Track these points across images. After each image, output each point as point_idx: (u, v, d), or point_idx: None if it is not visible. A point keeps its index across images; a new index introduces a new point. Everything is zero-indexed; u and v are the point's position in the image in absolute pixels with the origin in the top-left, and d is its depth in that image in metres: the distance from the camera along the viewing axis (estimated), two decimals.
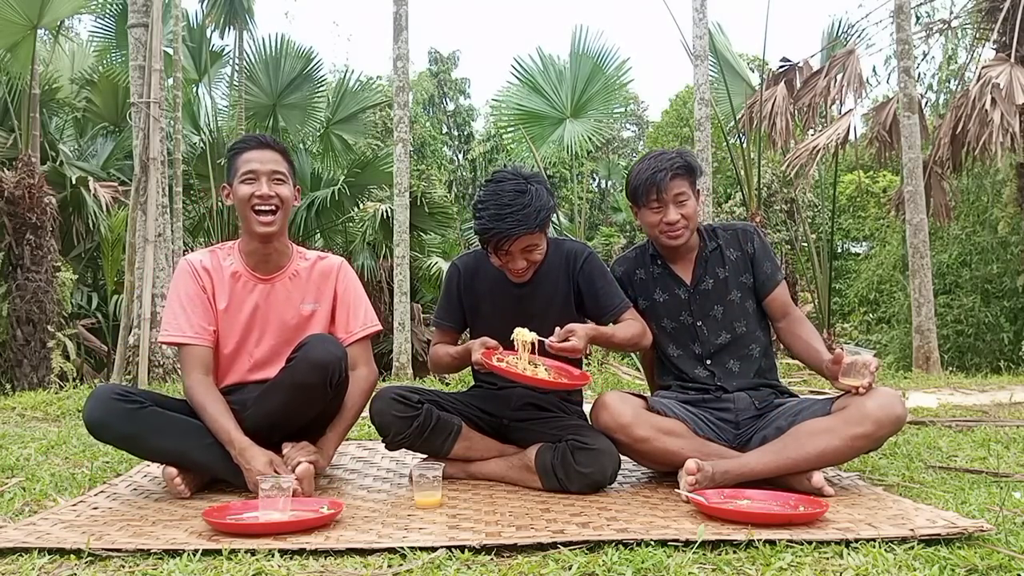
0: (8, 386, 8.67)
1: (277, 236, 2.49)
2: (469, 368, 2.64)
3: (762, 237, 2.66)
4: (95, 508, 2.18)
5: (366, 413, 2.54)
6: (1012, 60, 8.40)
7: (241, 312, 2.50)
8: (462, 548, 1.71)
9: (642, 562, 1.61)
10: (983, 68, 8.65)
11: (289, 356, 2.36)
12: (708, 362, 2.56)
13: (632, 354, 9.42)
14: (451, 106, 28.06)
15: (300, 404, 2.34)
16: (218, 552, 1.69)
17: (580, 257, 2.56)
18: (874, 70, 32.31)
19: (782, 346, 2.73)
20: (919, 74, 11.57)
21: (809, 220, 14.98)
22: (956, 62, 12.44)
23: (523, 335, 2.38)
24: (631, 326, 2.52)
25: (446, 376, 7.30)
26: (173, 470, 2.29)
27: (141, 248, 6.57)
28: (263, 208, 2.42)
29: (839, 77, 9.64)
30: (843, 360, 2.25)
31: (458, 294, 2.66)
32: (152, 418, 2.29)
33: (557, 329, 2.33)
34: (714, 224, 2.71)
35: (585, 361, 3.09)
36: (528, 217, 2.35)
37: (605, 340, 2.46)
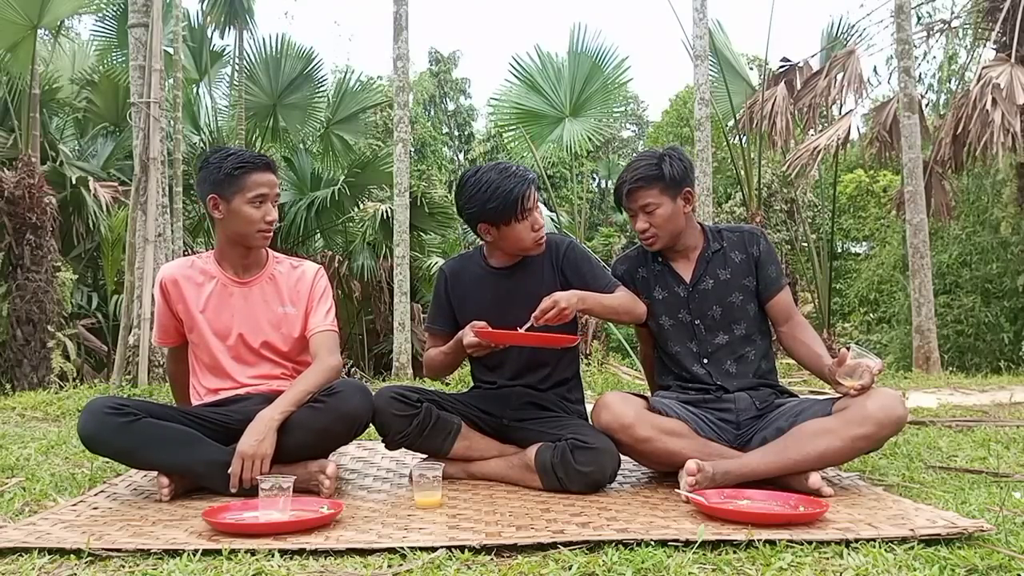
0: (8, 386, 8.66)
1: None
2: (469, 369, 2.64)
3: (768, 241, 2.66)
4: (95, 508, 2.18)
5: None
6: (1012, 60, 8.40)
7: (222, 314, 2.57)
8: (462, 548, 1.71)
9: (642, 562, 1.61)
10: (983, 68, 8.64)
11: (319, 396, 2.38)
12: (705, 361, 2.57)
13: (632, 354, 9.42)
14: (451, 106, 28.09)
15: (322, 444, 2.43)
16: (218, 552, 1.69)
17: (562, 246, 2.63)
18: (874, 70, 32.28)
19: (783, 349, 2.74)
20: (919, 74, 11.56)
21: (809, 220, 14.97)
22: (956, 62, 12.44)
23: None
24: (621, 295, 2.59)
25: (446, 377, 7.30)
26: (165, 479, 2.30)
27: (141, 248, 6.57)
28: (268, 230, 2.56)
29: (839, 77, 9.64)
30: (847, 360, 2.25)
31: (447, 297, 2.70)
32: (147, 430, 2.28)
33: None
34: (720, 225, 2.72)
35: (585, 361, 3.08)
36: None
37: (595, 303, 2.49)
